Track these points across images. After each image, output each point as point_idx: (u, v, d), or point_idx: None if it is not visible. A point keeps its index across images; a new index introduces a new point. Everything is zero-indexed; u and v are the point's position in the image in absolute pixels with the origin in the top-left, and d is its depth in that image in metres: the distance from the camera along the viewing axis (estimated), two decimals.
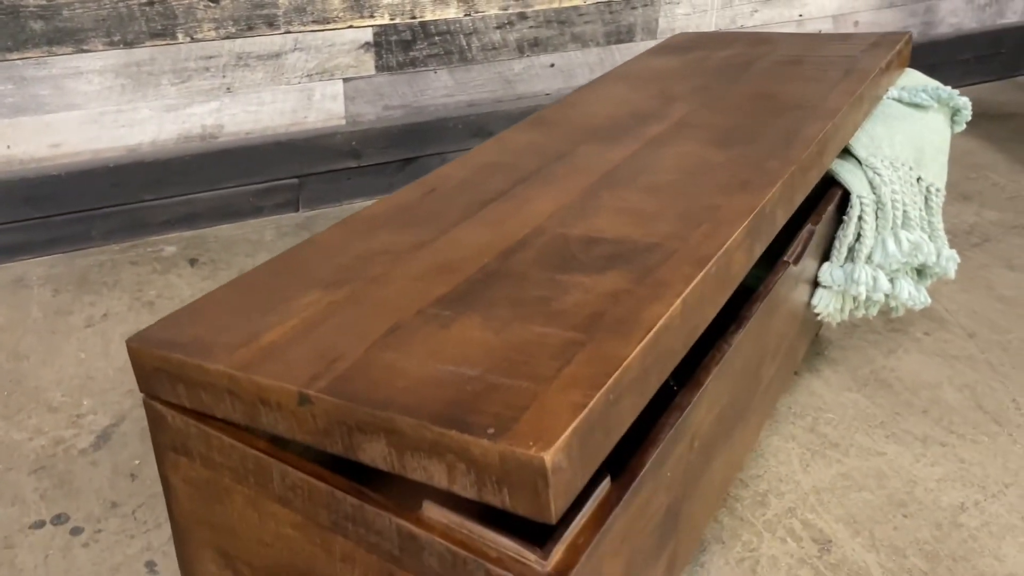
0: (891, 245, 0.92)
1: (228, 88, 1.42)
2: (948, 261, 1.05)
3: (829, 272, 0.92)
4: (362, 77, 1.52)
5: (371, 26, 1.48)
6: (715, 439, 0.70)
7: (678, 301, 0.54)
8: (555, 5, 1.63)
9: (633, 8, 1.71)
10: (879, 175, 0.93)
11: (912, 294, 1.03)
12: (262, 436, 0.55)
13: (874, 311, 1.06)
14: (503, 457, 0.42)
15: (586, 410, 0.44)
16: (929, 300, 1.07)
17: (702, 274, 0.56)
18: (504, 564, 0.47)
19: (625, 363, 0.48)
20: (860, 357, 1.20)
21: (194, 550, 0.63)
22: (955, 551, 0.90)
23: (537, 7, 1.61)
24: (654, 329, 0.51)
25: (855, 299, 1.01)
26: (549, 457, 0.41)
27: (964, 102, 1.09)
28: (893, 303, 1.03)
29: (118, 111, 1.37)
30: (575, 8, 1.65)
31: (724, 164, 0.74)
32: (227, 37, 1.39)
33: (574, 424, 0.43)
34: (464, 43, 1.57)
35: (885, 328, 1.27)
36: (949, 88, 1.08)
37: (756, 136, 0.80)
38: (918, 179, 1.01)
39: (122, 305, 1.27)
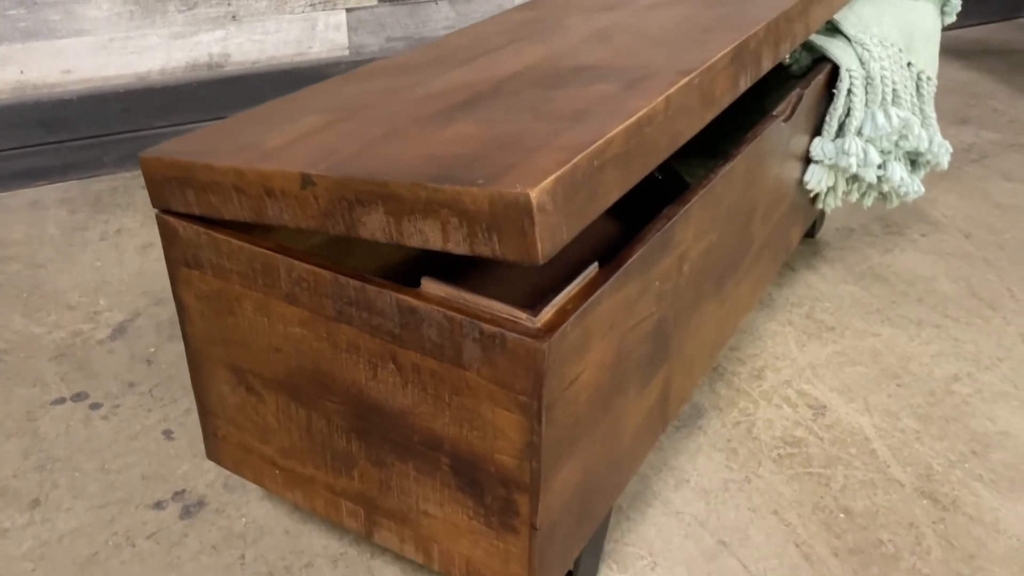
0: (880, 118, 0.94)
1: (234, 16, 1.45)
2: (940, 148, 1.07)
3: (820, 146, 0.95)
4: (364, 8, 1.54)
5: None
6: (705, 278, 0.73)
7: (661, 98, 0.56)
8: None
9: None
10: (868, 51, 0.95)
11: (904, 179, 1.05)
12: (269, 239, 0.58)
13: (869, 201, 1.08)
14: (492, 201, 0.45)
15: (570, 164, 0.47)
16: (922, 189, 1.09)
17: (685, 80, 0.59)
18: (498, 323, 0.50)
19: (608, 136, 0.50)
20: (856, 256, 1.22)
21: (208, 372, 0.67)
22: (947, 414, 0.92)
23: None
24: (637, 115, 0.53)
25: (848, 180, 1.03)
26: (534, 195, 0.44)
27: None
28: (886, 188, 1.05)
29: (127, 38, 1.40)
30: None
31: (713, 18, 0.76)
32: None
33: (558, 173, 0.46)
34: None
35: (882, 231, 1.29)
36: None
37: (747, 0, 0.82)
38: (908, 64, 1.03)
39: (135, 222, 1.31)
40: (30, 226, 1.30)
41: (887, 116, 0.95)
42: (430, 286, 0.52)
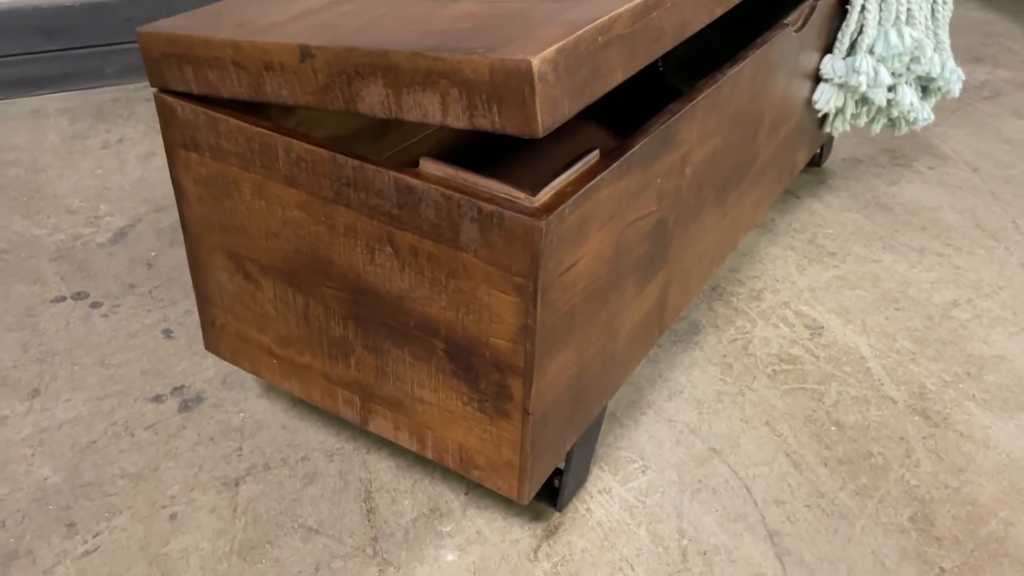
0: (893, 37, 0.93)
1: None
2: (952, 74, 1.05)
3: (831, 64, 0.93)
4: None
5: None
6: (707, 184, 0.72)
7: None
8: None
9: None
10: None
11: (914, 104, 1.03)
12: (267, 120, 0.57)
13: (877, 127, 1.06)
14: (492, 70, 0.45)
15: (573, 36, 0.46)
16: (932, 116, 1.07)
17: None
18: (496, 202, 0.49)
19: (614, 13, 0.49)
20: (862, 186, 1.21)
21: (206, 259, 0.67)
22: (944, 337, 0.93)
23: None
24: None
25: (857, 103, 1.01)
26: (536, 63, 0.43)
27: None
28: (896, 112, 1.04)
29: None
30: None
31: None
32: None
33: (560, 44, 0.45)
34: None
35: (890, 163, 1.27)
36: None
37: None
38: None
39: (137, 132, 1.30)
40: (31, 133, 1.29)
41: (900, 35, 0.94)
42: (429, 165, 0.52)
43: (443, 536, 0.69)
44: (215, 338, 0.71)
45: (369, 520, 0.70)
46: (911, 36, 0.94)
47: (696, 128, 0.65)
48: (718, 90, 0.67)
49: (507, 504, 0.72)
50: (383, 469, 0.74)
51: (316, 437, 0.77)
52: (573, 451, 0.68)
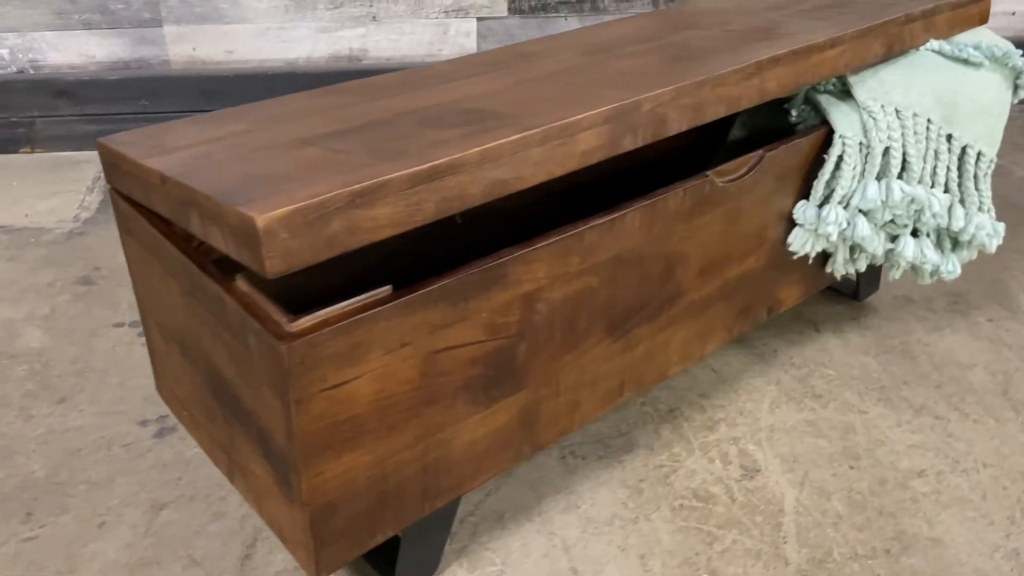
0: (872, 190, 0.90)
1: (374, 17, 1.62)
2: (981, 230, 0.99)
3: (803, 210, 0.92)
4: (495, 18, 1.65)
5: None
6: (583, 317, 0.77)
7: (476, 151, 0.62)
8: None
9: None
10: (873, 118, 0.91)
11: (926, 256, 0.99)
12: (160, 218, 0.71)
13: (896, 273, 1.02)
14: (241, 219, 0.55)
15: (318, 198, 0.55)
16: (957, 269, 1.02)
17: (517, 137, 0.64)
18: (263, 321, 0.59)
19: (383, 179, 0.58)
20: (897, 328, 1.15)
21: (146, 318, 0.82)
22: (885, 507, 0.88)
23: None
24: (430, 164, 0.60)
25: (852, 248, 0.99)
26: (262, 220, 0.53)
27: None
28: (902, 262, 0.99)
29: (281, 28, 1.61)
30: None
31: (658, 72, 0.79)
32: None
33: (299, 204, 0.54)
34: None
35: (945, 307, 1.20)
36: (1011, 47, 1.01)
37: (707, 54, 0.83)
38: (948, 137, 0.97)
39: None
40: None
41: (887, 189, 0.91)
42: (240, 283, 0.62)
43: None
44: (159, 385, 0.86)
45: (243, 565, 0.81)
46: (901, 190, 0.92)
47: (543, 270, 0.71)
48: (577, 237, 0.72)
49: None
50: None
51: None
52: (407, 540, 0.75)
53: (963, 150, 0.98)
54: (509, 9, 1.64)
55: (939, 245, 1.02)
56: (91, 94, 1.58)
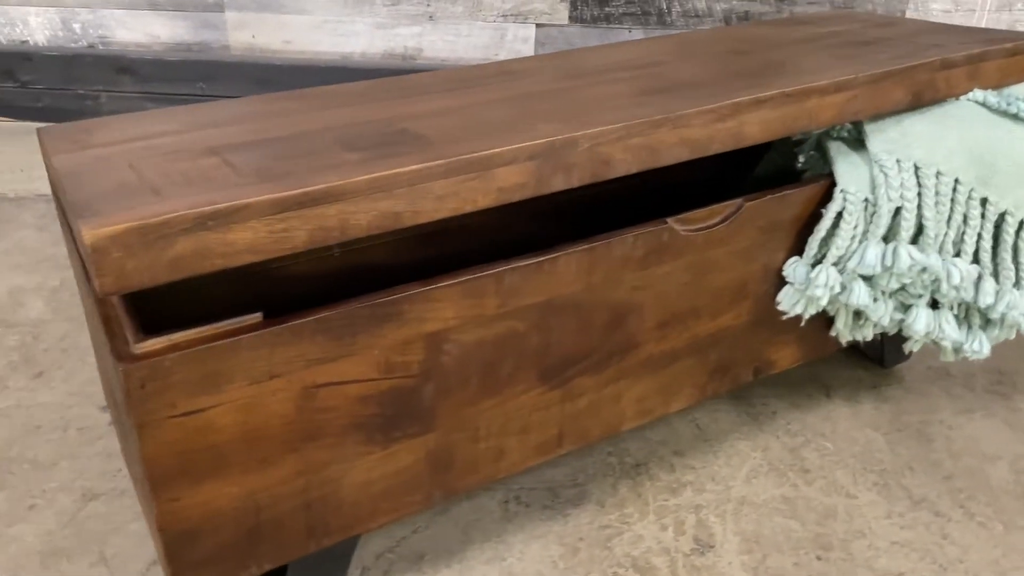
0: (871, 254, 0.80)
1: (431, 16, 1.59)
2: (1013, 309, 0.87)
3: (793, 267, 0.83)
4: (555, 25, 1.59)
5: None
6: (508, 363, 0.71)
7: (363, 179, 0.58)
8: None
9: None
10: (884, 173, 0.81)
11: (945, 331, 0.87)
12: None
13: (914, 346, 0.91)
14: (79, 234, 0.52)
15: (159, 218, 0.52)
16: (984, 349, 0.90)
17: (417, 167, 0.59)
18: (113, 339, 0.57)
19: (242, 202, 0.54)
20: (920, 404, 1.03)
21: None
22: None
23: None
24: (302, 190, 0.56)
25: (855, 314, 0.89)
26: (90, 237, 0.50)
27: None
28: (915, 335, 0.88)
29: (338, 22, 1.60)
30: None
31: (620, 106, 0.72)
32: None
33: (135, 223, 0.51)
34: (664, 6, 1.56)
35: (986, 387, 1.07)
36: None
37: (691, 88, 0.76)
38: (983, 201, 0.85)
39: None
40: None
41: (894, 254, 0.81)
42: (111, 296, 0.60)
43: None
44: (103, 381, 0.86)
45: (148, 570, 0.80)
46: (911, 257, 0.81)
47: (451, 310, 0.66)
48: (495, 278, 0.66)
49: None
50: None
51: None
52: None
53: (1001, 217, 0.86)
54: (570, 17, 1.58)
55: (966, 320, 0.90)
56: (152, 72, 1.63)
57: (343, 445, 0.66)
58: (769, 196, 0.79)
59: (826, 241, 0.82)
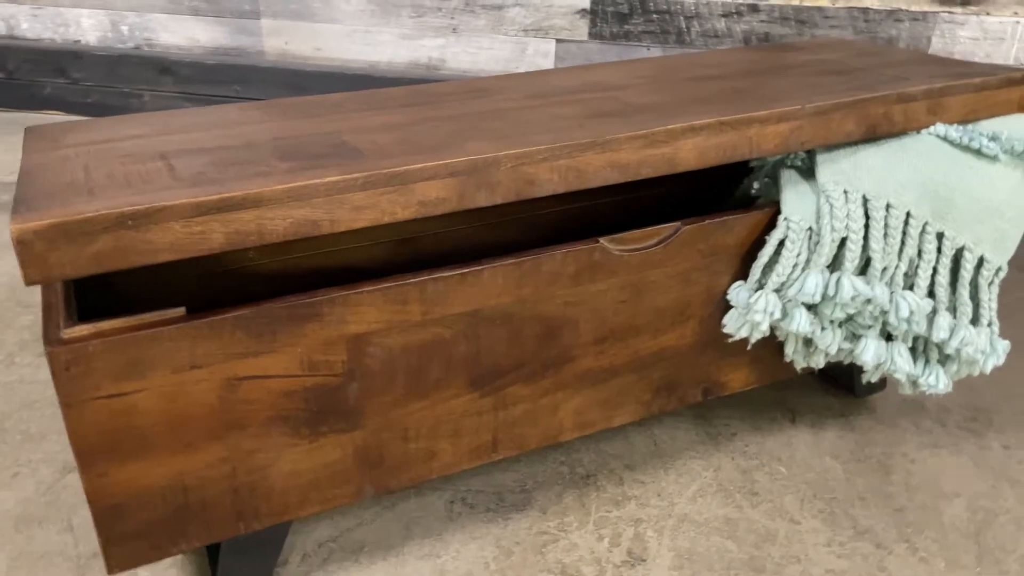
0: (810, 282, 0.81)
1: (454, 29, 1.64)
2: (967, 345, 0.86)
3: (736, 291, 0.84)
4: (574, 41, 1.62)
5: None
6: (436, 368, 0.75)
7: (280, 188, 0.62)
8: (795, 2, 1.55)
9: (897, 20, 1.54)
10: (830, 203, 0.81)
11: (897, 363, 0.87)
12: None
13: (871, 377, 0.91)
14: (11, 228, 0.58)
15: (81, 216, 0.57)
16: (941, 385, 0.89)
17: (335, 179, 0.63)
18: (48, 324, 0.62)
19: (161, 204, 0.59)
20: (888, 437, 1.03)
21: None
22: None
23: (773, 1, 1.55)
24: (220, 196, 0.60)
25: (803, 341, 0.89)
26: (16, 231, 0.56)
27: None
28: (865, 365, 0.88)
29: (367, 31, 1.66)
30: (820, 9, 1.55)
31: (560, 128, 0.75)
32: None
33: (57, 220, 0.57)
34: (683, 25, 1.58)
35: (960, 424, 1.05)
36: None
37: (639, 112, 0.78)
38: (939, 235, 0.85)
39: None
40: None
41: (837, 284, 0.81)
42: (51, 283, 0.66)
43: None
44: None
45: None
46: (854, 287, 0.81)
47: (373, 314, 0.69)
48: (417, 287, 0.70)
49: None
50: None
51: None
52: (226, 555, 0.76)
53: (959, 252, 0.86)
54: (589, 34, 1.61)
55: (925, 354, 0.90)
56: (191, 74, 1.71)
57: (268, 435, 0.71)
58: (708, 221, 0.80)
59: (769, 267, 0.83)
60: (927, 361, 0.90)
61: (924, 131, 0.87)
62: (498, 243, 1.03)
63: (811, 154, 0.86)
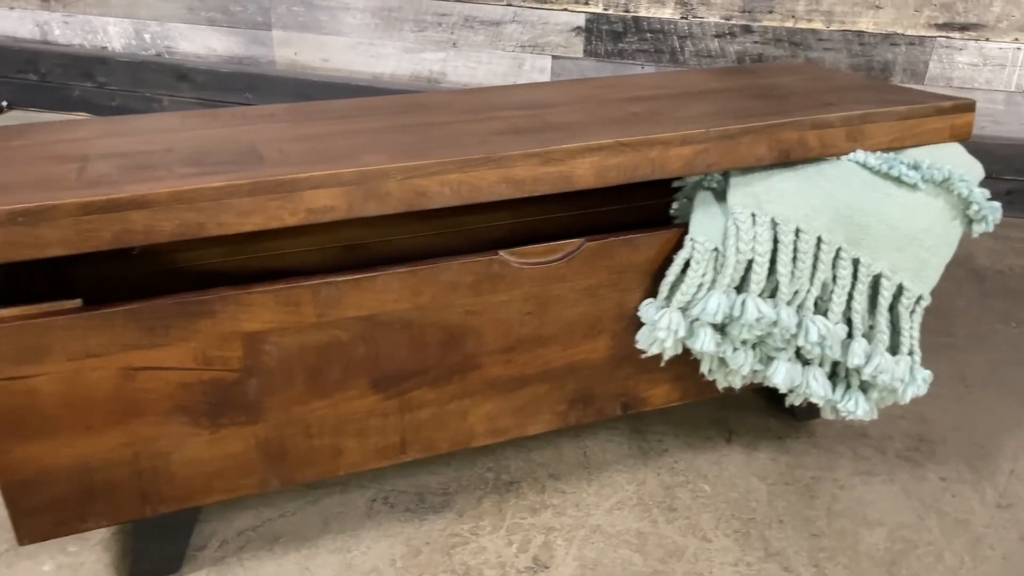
0: (713, 303, 0.81)
1: (454, 44, 1.68)
2: (882, 373, 0.86)
3: (645, 308, 0.86)
4: (570, 57, 1.65)
5: (584, 12, 1.60)
6: (335, 368, 0.78)
7: (166, 191, 0.66)
8: (789, 24, 1.54)
9: (893, 44, 1.53)
10: (737, 226, 0.82)
11: (812, 388, 0.87)
12: None
13: (793, 400, 0.91)
14: None
15: None
16: (860, 411, 0.89)
17: (224, 182, 0.67)
18: None
19: (50, 203, 0.64)
20: (823, 461, 1.02)
21: None
22: None
23: (766, 23, 1.55)
24: (106, 197, 0.65)
25: (720, 360, 0.90)
26: None
27: (977, 195, 0.85)
28: (780, 388, 0.89)
29: (370, 44, 1.72)
30: (814, 31, 1.54)
31: (463, 144, 0.78)
32: (460, 0, 1.64)
33: None
34: (677, 45, 1.59)
35: (900, 453, 1.04)
36: (962, 172, 0.86)
37: (552, 130, 0.80)
38: (855, 261, 0.85)
39: None
40: None
41: (742, 305, 0.82)
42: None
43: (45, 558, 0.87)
44: None
45: None
46: (758, 309, 0.82)
47: (267, 314, 0.73)
48: (311, 290, 0.74)
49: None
50: None
51: None
52: (137, 537, 0.81)
53: (876, 279, 0.86)
54: (584, 51, 1.63)
55: (847, 379, 0.90)
56: (206, 81, 1.79)
57: (168, 424, 0.75)
58: (613, 239, 0.82)
59: (675, 286, 0.84)
60: (848, 387, 0.90)
61: (844, 157, 0.87)
62: (449, 251, 1.06)
63: (726, 176, 0.87)
